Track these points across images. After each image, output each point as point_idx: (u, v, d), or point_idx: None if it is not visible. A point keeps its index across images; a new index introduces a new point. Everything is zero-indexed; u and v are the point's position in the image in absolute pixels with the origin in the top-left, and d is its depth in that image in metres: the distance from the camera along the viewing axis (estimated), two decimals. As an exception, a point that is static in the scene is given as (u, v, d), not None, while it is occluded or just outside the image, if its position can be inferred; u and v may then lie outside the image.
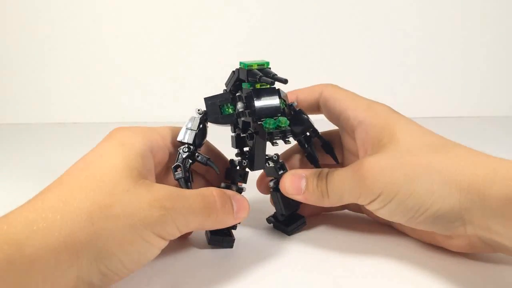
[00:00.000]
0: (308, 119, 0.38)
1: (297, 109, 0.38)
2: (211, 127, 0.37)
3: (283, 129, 0.33)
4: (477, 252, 0.33)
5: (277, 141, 0.34)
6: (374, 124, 0.36)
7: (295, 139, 0.39)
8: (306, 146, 0.39)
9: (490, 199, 0.28)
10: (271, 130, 0.32)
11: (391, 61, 0.91)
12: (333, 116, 0.40)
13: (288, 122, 0.33)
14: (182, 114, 0.37)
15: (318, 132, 0.39)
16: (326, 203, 0.35)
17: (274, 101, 0.33)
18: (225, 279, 0.32)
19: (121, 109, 0.89)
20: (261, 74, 0.32)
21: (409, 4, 0.89)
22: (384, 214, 0.33)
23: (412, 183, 0.30)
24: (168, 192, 0.30)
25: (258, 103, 0.33)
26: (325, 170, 0.36)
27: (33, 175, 0.56)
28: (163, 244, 0.30)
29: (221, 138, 0.41)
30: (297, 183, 0.36)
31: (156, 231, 0.29)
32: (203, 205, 0.31)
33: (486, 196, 0.28)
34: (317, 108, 0.41)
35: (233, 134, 0.37)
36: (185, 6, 0.88)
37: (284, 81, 0.31)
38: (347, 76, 0.91)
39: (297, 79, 0.88)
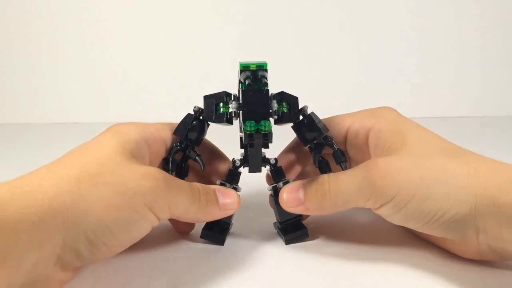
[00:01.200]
0: (319, 125, 0.36)
1: (308, 113, 0.36)
2: (222, 128, 0.37)
3: (265, 132, 0.32)
4: (484, 259, 0.33)
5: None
6: (383, 129, 0.35)
7: (305, 146, 0.37)
8: (316, 154, 0.36)
9: (504, 207, 0.28)
10: (251, 132, 0.32)
11: (391, 61, 0.91)
12: (340, 140, 0.38)
13: (270, 126, 0.32)
14: (182, 114, 0.37)
15: (329, 139, 0.36)
16: (329, 208, 0.33)
17: (263, 103, 0.33)
18: (225, 279, 0.32)
19: (121, 109, 0.89)
20: (248, 75, 0.33)
21: (410, 3, 0.89)
22: (396, 219, 0.31)
23: (430, 186, 0.29)
24: (161, 172, 0.30)
25: (247, 105, 0.33)
26: (326, 175, 0.34)
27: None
28: (153, 219, 0.29)
29: (229, 138, 0.41)
30: (295, 195, 0.34)
31: (147, 201, 0.28)
32: (190, 191, 0.32)
33: (501, 203, 0.28)
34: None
35: (241, 134, 0.37)
36: (185, 6, 0.88)
37: (263, 86, 0.32)
38: (346, 76, 0.91)
39: (297, 79, 0.88)
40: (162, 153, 0.36)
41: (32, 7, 0.86)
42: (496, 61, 0.92)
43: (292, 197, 0.34)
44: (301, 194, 0.34)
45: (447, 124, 0.84)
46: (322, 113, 0.39)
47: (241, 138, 0.37)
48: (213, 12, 0.88)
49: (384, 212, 0.31)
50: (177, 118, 0.37)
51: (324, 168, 0.36)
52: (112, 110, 0.90)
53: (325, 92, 0.90)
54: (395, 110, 0.37)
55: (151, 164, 0.35)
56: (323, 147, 0.36)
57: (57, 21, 0.87)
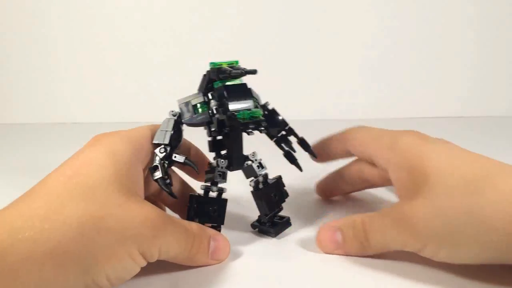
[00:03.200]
0: (282, 118, 0.38)
1: (271, 108, 0.38)
2: (186, 134, 0.36)
3: (257, 119, 0.33)
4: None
5: (252, 131, 0.34)
6: (402, 165, 0.34)
7: (272, 140, 0.39)
8: (283, 146, 0.39)
9: None
10: (246, 121, 0.33)
11: (391, 60, 0.91)
12: (367, 160, 0.39)
13: (261, 112, 0.33)
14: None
15: (293, 130, 0.39)
16: (369, 253, 0.34)
17: (245, 95, 0.34)
18: (225, 279, 0.32)
19: (121, 109, 0.90)
20: (231, 69, 0.33)
21: (405, 4, 0.89)
22: (438, 259, 0.31)
23: (456, 234, 0.29)
24: (159, 213, 0.30)
25: (230, 98, 0.34)
26: (358, 219, 0.34)
27: (33, 175, 0.56)
28: (144, 264, 0.29)
29: (197, 144, 0.40)
30: (332, 237, 0.35)
31: (142, 249, 0.28)
32: (184, 237, 0.31)
33: None
34: (351, 155, 0.41)
35: (209, 138, 0.37)
36: (185, 7, 0.88)
37: (254, 72, 0.32)
38: (345, 77, 0.91)
39: (294, 80, 0.87)
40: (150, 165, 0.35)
41: (32, 8, 0.86)
42: (497, 61, 0.92)
43: (331, 239, 0.35)
44: (339, 237, 0.35)
45: (448, 124, 0.84)
46: (316, 114, 0.40)
47: (209, 142, 0.37)
48: (210, 12, 0.88)
49: (424, 255, 0.31)
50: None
51: (292, 158, 0.39)
52: (112, 110, 0.90)
53: (320, 93, 0.90)
54: (416, 135, 0.35)
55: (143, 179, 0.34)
56: (288, 138, 0.39)
57: (57, 21, 0.87)
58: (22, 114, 0.90)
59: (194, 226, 0.33)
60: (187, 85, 0.98)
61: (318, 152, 0.41)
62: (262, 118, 0.33)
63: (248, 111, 0.33)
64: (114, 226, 0.27)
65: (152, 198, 0.38)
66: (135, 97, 0.90)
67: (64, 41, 0.88)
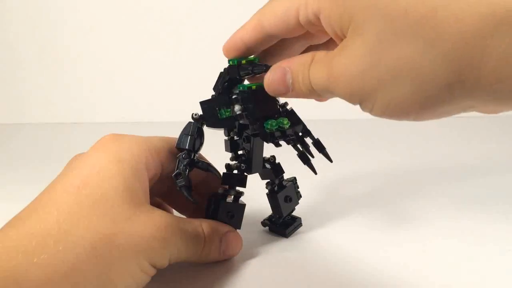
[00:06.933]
0: (299, 118, 0.37)
1: (289, 109, 0.37)
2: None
3: (285, 129, 0.32)
4: None
5: (280, 142, 0.33)
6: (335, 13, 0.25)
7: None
8: (299, 146, 0.38)
9: None
10: (273, 131, 0.32)
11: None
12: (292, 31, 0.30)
13: (289, 122, 0.32)
14: (182, 114, 0.37)
15: (310, 132, 0.38)
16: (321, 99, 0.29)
17: (272, 100, 0.33)
18: (226, 279, 0.32)
19: (121, 109, 0.90)
20: (252, 66, 0.32)
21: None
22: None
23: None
24: (168, 222, 0.30)
25: (259, 103, 0.32)
26: (309, 58, 0.27)
27: (33, 175, 0.56)
28: (154, 273, 0.30)
29: (211, 142, 0.40)
30: (283, 79, 0.29)
31: (153, 261, 0.29)
32: (194, 243, 0.32)
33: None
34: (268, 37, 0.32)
35: (226, 137, 0.37)
36: (185, 6, 0.88)
37: None
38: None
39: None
40: (158, 173, 0.34)
41: (32, 8, 0.86)
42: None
43: (279, 80, 0.29)
44: (288, 80, 0.28)
45: (448, 124, 0.84)
46: (313, 113, 0.39)
47: (227, 142, 0.36)
48: (211, 11, 0.88)
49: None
50: (176, 118, 0.37)
51: (306, 159, 0.37)
52: (112, 110, 0.90)
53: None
54: None
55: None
56: (304, 139, 0.37)
57: (57, 21, 0.87)
58: (22, 114, 0.90)
59: (205, 227, 0.33)
60: (187, 85, 0.98)
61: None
62: (289, 128, 0.32)
63: (276, 121, 0.32)
64: (125, 243, 0.27)
65: (158, 200, 0.38)
66: (136, 97, 0.90)
67: (64, 40, 0.88)
